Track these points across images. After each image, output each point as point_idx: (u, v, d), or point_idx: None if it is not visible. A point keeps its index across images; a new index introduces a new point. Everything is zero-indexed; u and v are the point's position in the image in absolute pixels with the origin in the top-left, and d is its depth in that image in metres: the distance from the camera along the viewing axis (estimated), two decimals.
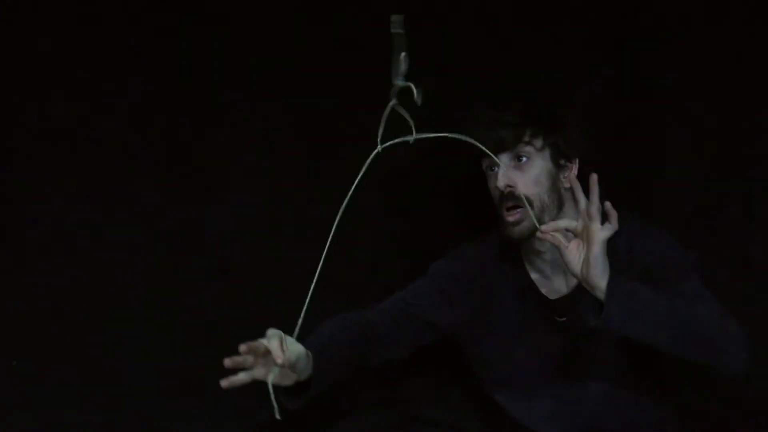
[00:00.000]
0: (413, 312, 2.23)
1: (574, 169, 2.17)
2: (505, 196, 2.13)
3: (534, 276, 2.23)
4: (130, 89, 2.49)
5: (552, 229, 1.97)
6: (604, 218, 1.92)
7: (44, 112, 2.49)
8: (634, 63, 2.45)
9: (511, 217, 2.13)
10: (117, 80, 2.48)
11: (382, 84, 1.90)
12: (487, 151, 2.06)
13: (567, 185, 2.14)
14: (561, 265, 2.12)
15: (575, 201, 1.97)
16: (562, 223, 1.98)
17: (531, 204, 2.11)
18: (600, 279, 1.91)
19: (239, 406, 2.33)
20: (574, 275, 1.95)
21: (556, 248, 1.98)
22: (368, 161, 1.94)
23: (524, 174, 2.14)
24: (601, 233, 1.91)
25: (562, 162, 2.17)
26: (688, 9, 2.42)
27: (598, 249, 1.90)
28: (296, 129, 2.50)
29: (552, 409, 2.19)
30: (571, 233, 1.97)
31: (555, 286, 2.21)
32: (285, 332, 1.89)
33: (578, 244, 1.94)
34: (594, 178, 1.93)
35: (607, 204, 1.91)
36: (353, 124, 2.33)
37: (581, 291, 2.08)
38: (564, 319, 2.18)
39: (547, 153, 2.16)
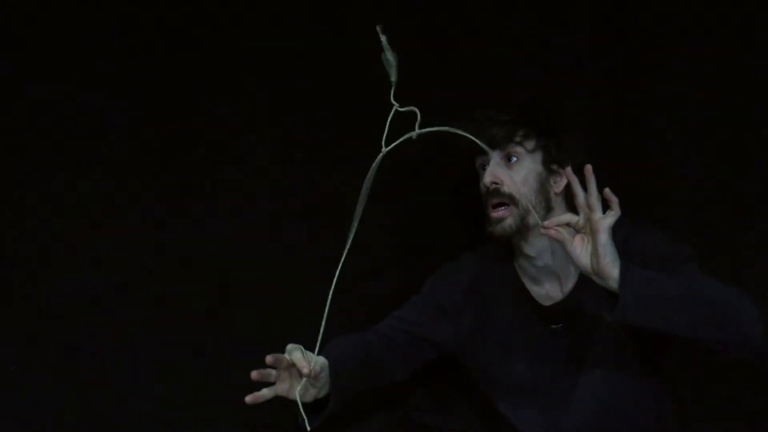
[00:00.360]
0: (411, 330, 2.23)
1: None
2: (490, 193, 2.13)
3: (527, 283, 2.21)
4: (129, 94, 2.46)
5: (554, 224, 1.95)
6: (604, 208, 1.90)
7: (39, 116, 2.45)
8: (634, 64, 2.44)
9: (495, 214, 2.13)
10: (114, 84, 2.45)
11: (383, 85, 1.90)
12: (481, 144, 2.03)
13: (558, 190, 2.14)
14: (554, 271, 2.16)
15: (574, 195, 1.93)
16: (564, 217, 1.95)
17: (516, 203, 2.11)
18: (612, 267, 1.88)
19: (238, 411, 2.32)
20: (584, 269, 1.92)
21: (561, 245, 1.95)
22: (375, 164, 1.92)
23: (512, 172, 2.13)
24: (605, 221, 1.89)
25: (554, 167, 2.16)
26: (689, 10, 2.41)
27: (605, 237, 1.88)
28: (297, 133, 2.48)
29: (551, 416, 2.17)
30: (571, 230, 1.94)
31: (549, 293, 2.19)
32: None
33: (582, 238, 1.92)
34: (589, 168, 1.91)
35: (606, 190, 1.90)
36: (354, 127, 2.31)
37: (576, 296, 2.13)
38: (559, 325, 2.16)
39: (538, 156, 2.16)
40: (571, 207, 2.07)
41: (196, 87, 2.47)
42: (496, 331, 2.22)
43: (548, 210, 2.15)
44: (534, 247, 2.16)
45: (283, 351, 2.26)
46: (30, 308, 2.43)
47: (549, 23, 2.47)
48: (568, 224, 1.94)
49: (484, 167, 2.18)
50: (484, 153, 2.17)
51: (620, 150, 1.94)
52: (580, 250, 1.92)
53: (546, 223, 1.97)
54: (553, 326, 2.16)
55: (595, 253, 1.89)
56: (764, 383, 2.28)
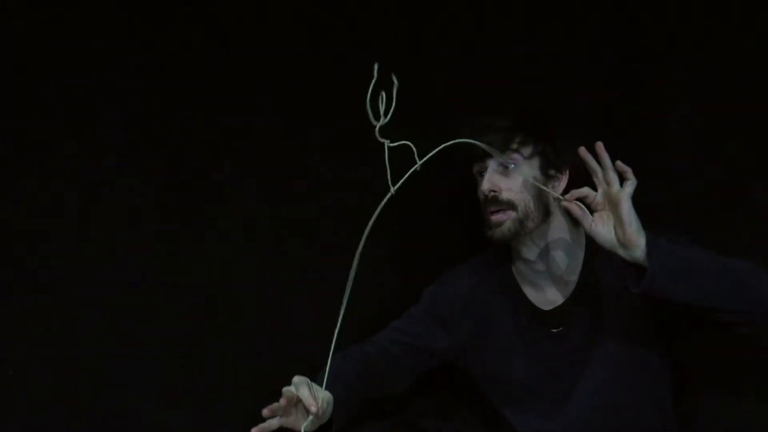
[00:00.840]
0: (410, 341, 2.25)
1: (564, 181, 2.16)
2: (489, 200, 2.14)
3: (526, 288, 2.23)
4: (129, 99, 2.43)
5: (574, 198, 1.97)
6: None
7: (39, 117, 2.42)
8: (634, 68, 2.41)
9: (494, 218, 2.14)
10: (114, 89, 2.42)
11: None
12: (484, 145, 2.03)
13: (556, 195, 2.14)
14: (553, 275, 2.18)
15: (591, 172, 1.95)
16: (583, 190, 1.97)
17: (514, 207, 2.11)
18: (638, 236, 1.90)
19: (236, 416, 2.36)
20: (609, 244, 1.94)
21: (581, 222, 1.96)
22: (381, 204, 1.92)
23: (509, 180, 2.14)
24: (625, 191, 1.92)
25: (552, 172, 2.15)
26: (690, 9, 2.38)
27: (627, 205, 1.91)
28: (297, 156, 2.47)
29: (553, 418, 2.18)
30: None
31: (549, 297, 2.20)
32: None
33: (601, 215, 1.95)
34: (600, 145, 1.94)
35: (618, 163, 1.94)
36: (358, 133, 2.24)
37: (576, 299, 2.15)
38: (560, 328, 2.18)
39: (535, 162, 2.15)
40: (569, 211, 2.09)
41: (197, 94, 2.44)
42: (496, 338, 2.23)
43: (546, 215, 2.16)
44: (533, 250, 2.18)
45: (285, 358, 2.35)
46: (28, 312, 2.42)
47: (548, 23, 2.44)
48: (585, 200, 1.97)
49: (481, 174, 2.18)
50: (481, 159, 2.17)
51: (620, 151, 1.94)
52: (602, 226, 1.95)
53: (567, 196, 1.99)
54: (553, 330, 2.19)
55: (619, 224, 1.92)
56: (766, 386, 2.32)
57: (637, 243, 1.90)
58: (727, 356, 2.27)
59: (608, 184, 1.94)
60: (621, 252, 1.93)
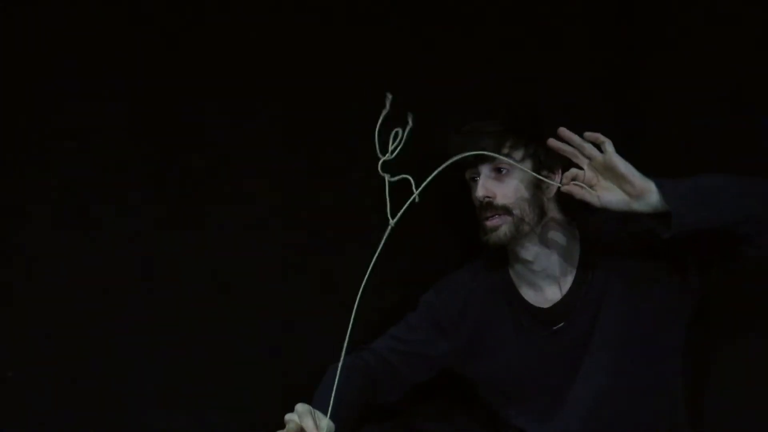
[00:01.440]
0: (409, 350, 2.26)
1: (558, 180, 2.17)
2: (484, 206, 2.15)
3: (524, 289, 2.24)
4: (129, 101, 2.41)
5: (569, 181, 2.00)
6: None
7: (38, 118, 2.39)
8: (633, 69, 2.42)
9: (489, 223, 2.15)
10: (112, 89, 2.40)
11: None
12: (496, 154, 2.07)
13: (550, 195, 2.16)
14: (552, 273, 2.20)
15: (571, 156, 1.99)
16: (571, 172, 2.01)
17: (509, 212, 2.14)
18: (646, 182, 1.94)
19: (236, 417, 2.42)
20: (623, 206, 1.96)
21: (588, 201, 1.98)
22: (384, 237, 1.94)
23: (503, 185, 2.15)
24: (608, 153, 1.96)
25: (545, 173, 2.16)
26: (688, 12, 2.37)
27: (620, 161, 1.95)
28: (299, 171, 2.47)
29: (556, 418, 2.20)
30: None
31: (548, 295, 2.22)
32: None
33: (601, 186, 1.98)
34: (562, 129, 2.00)
35: (586, 134, 1.98)
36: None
37: (575, 293, 2.18)
38: (561, 324, 2.20)
39: (528, 164, 2.16)
40: (565, 209, 2.12)
41: (201, 95, 2.43)
42: (496, 341, 2.25)
43: (542, 216, 2.18)
44: (530, 251, 2.20)
45: (285, 360, 2.41)
46: (27, 312, 2.41)
47: (548, 28, 2.44)
48: (576, 179, 2.00)
49: (474, 179, 2.19)
50: (473, 165, 2.18)
51: (619, 151, 1.96)
52: (609, 194, 1.98)
53: (563, 181, 2.02)
54: (554, 327, 2.21)
55: (624, 180, 1.95)
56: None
57: (648, 188, 1.94)
58: (734, 355, 2.34)
59: (590, 158, 1.99)
60: (637, 206, 1.95)
